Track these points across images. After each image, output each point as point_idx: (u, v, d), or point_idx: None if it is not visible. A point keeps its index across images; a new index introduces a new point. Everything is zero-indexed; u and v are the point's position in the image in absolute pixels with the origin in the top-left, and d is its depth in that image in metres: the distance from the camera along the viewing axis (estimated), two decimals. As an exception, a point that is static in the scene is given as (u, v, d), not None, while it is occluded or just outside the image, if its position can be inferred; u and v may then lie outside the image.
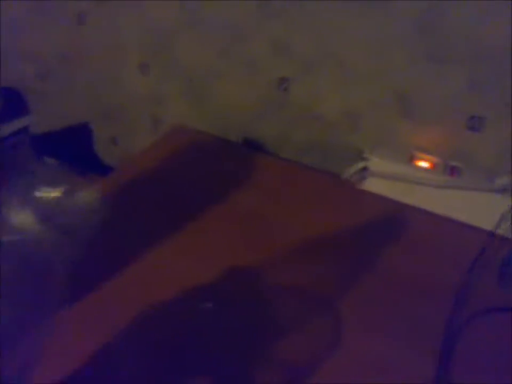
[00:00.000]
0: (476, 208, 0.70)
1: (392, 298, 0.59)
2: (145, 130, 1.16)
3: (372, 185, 0.77)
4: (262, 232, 0.71)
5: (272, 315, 0.58)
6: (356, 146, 0.85)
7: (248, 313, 0.58)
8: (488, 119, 0.81)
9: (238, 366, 0.51)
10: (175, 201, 0.71)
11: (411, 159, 0.77)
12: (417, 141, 0.78)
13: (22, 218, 0.27)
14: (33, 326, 0.30)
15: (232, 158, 0.88)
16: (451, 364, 0.50)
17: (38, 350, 0.32)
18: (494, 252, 0.57)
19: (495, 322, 0.54)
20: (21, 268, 0.27)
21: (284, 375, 0.50)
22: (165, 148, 0.90)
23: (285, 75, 0.89)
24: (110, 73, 1.12)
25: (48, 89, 1.26)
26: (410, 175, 0.75)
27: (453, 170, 0.82)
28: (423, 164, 0.77)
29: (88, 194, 0.28)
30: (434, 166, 0.78)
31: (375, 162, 0.79)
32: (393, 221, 0.71)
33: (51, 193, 0.28)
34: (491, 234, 0.56)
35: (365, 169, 0.81)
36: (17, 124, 1.14)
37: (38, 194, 0.28)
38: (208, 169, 0.85)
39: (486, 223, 0.57)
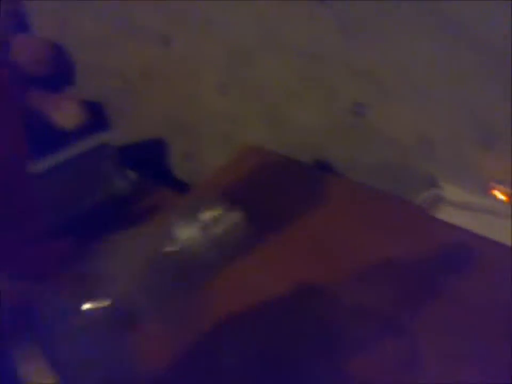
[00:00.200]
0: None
1: (462, 327, 0.59)
2: (218, 148, 1.20)
3: (444, 213, 0.77)
4: (332, 252, 0.73)
5: (344, 331, 0.60)
6: (429, 173, 0.85)
7: (314, 327, 0.60)
8: None
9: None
10: (251, 218, 0.74)
11: (487, 189, 0.77)
12: (495, 172, 0.77)
13: (187, 232, 0.33)
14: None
15: (304, 179, 0.90)
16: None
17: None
18: None
19: None
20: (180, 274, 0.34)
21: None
22: (240, 167, 0.94)
23: (362, 100, 0.90)
24: (189, 91, 1.16)
25: (128, 104, 1.33)
26: (484, 206, 0.75)
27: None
28: (500, 196, 0.76)
29: (237, 215, 0.34)
30: (511, 199, 0.77)
31: (449, 190, 0.79)
32: (464, 250, 0.71)
33: (212, 213, 0.33)
34: None
35: (437, 196, 0.81)
36: (99, 138, 1.21)
37: (200, 214, 0.33)
38: (280, 189, 0.88)
39: None
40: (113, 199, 1.13)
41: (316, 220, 0.78)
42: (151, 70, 1.22)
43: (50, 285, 0.36)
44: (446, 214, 0.76)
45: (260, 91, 1.05)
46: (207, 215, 0.33)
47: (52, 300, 0.37)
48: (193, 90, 1.16)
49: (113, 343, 0.36)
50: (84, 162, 1.14)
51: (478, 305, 0.62)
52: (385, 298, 0.64)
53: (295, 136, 1.03)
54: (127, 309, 0.34)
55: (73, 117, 1.23)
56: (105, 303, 0.33)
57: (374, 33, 0.84)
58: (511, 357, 0.54)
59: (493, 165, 0.77)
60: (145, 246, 0.34)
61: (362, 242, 0.74)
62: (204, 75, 1.12)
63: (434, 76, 0.81)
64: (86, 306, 0.34)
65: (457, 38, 0.75)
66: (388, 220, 0.78)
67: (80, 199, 1.08)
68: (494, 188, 0.76)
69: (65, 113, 1.23)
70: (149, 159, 1.33)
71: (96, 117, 1.32)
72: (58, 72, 1.35)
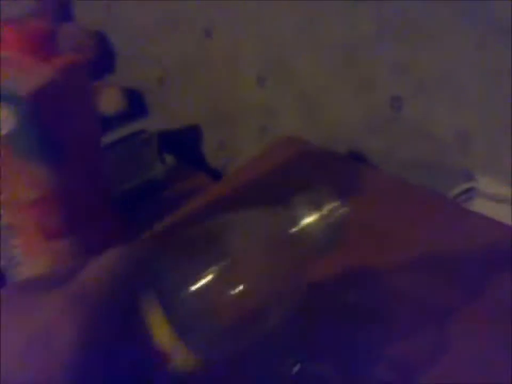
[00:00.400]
0: None
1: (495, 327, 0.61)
2: (252, 138, 1.23)
3: (479, 206, 0.78)
4: (366, 243, 0.75)
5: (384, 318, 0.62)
6: (465, 167, 0.87)
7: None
8: None
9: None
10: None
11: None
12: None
13: (308, 218, 0.34)
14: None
15: (339, 170, 0.92)
16: None
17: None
18: None
19: None
20: None
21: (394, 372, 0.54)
22: (274, 157, 0.96)
23: (399, 94, 0.92)
24: (228, 82, 1.19)
25: (167, 93, 1.36)
26: (520, 199, 0.76)
27: None
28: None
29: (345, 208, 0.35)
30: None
31: (484, 183, 0.80)
32: (500, 244, 0.72)
33: (331, 203, 0.35)
34: None
35: (472, 189, 0.82)
36: (138, 124, 1.24)
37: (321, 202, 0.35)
38: (314, 179, 0.90)
39: None
40: (151, 182, 1.17)
41: (350, 210, 0.80)
42: (191, 60, 1.25)
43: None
44: (481, 207, 0.77)
45: (297, 83, 1.07)
46: (326, 204, 0.35)
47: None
48: (231, 81, 1.18)
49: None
50: (123, 147, 1.17)
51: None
52: (419, 285, 0.66)
53: (331, 128, 1.05)
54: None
55: (113, 103, 1.27)
56: None
57: (413, 29, 0.86)
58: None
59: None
60: (267, 226, 0.35)
61: (396, 233, 0.75)
62: (243, 67, 1.14)
63: (471, 70, 0.82)
64: None
65: (496, 34, 0.76)
66: (422, 212, 0.79)
67: (119, 182, 1.12)
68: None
69: (106, 99, 1.27)
70: (185, 146, 1.36)
71: (136, 104, 1.36)
72: (100, 60, 1.39)
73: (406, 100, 0.92)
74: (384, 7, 0.87)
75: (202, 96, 1.28)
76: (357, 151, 1.03)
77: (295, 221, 0.34)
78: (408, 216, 0.78)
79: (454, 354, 0.56)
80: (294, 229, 0.34)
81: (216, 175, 1.31)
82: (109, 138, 1.17)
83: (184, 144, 1.37)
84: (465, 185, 0.83)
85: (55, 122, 0.48)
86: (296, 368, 0.49)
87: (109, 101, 1.28)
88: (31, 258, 0.58)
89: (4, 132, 0.47)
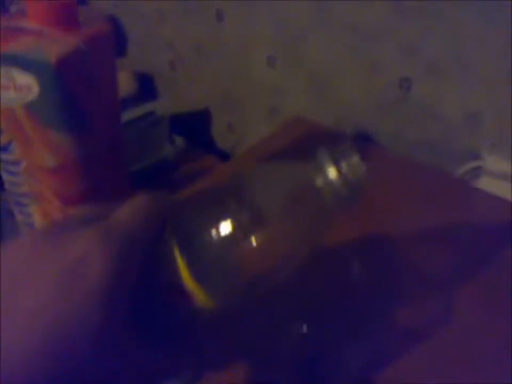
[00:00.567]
0: None
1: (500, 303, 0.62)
2: (261, 119, 1.24)
3: (485, 184, 0.80)
4: (373, 222, 0.76)
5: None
6: (472, 147, 0.88)
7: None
8: None
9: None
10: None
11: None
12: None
13: (331, 173, 0.34)
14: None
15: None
16: None
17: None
18: None
19: None
20: None
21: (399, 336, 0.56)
22: (284, 137, 0.97)
23: (408, 75, 0.93)
24: (239, 64, 1.20)
25: (178, 76, 1.38)
26: (526, 177, 0.77)
27: None
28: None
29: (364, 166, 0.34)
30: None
31: (490, 162, 0.81)
32: (503, 220, 0.73)
33: (353, 158, 0.34)
34: None
35: (478, 168, 0.83)
36: (149, 106, 1.26)
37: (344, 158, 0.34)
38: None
39: None
40: (161, 163, 1.19)
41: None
42: (203, 44, 1.26)
43: None
44: (488, 185, 0.79)
45: (306, 64, 1.08)
46: (350, 159, 0.34)
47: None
48: (242, 63, 1.20)
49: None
50: (134, 129, 1.19)
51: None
52: (427, 260, 0.67)
53: (340, 108, 1.06)
54: None
55: (125, 86, 1.29)
56: None
57: (422, 10, 0.87)
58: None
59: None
60: (292, 176, 0.35)
61: (403, 210, 0.77)
62: (255, 49, 1.16)
63: (481, 52, 0.83)
64: None
65: (506, 14, 0.77)
66: (428, 190, 0.81)
67: (130, 162, 1.14)
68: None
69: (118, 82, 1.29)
70: (195, 129, 1.38)
71: (146, 87, 1.37)
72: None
73: (415, 80, 0.93)
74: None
75: (213, 79, 1.30)
76: (366, 132, 1.04)
77: (319, 173, 0.33)
78: (414, 194, 0.79)
79: (460, 321, 0.58)
80: (318, 180, 0.33)
81: (225, 156, 1.33)
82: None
83: (193, 126, 1.38)
84: (472, 164, 0.85)
85: (81, 91, 0.50)
86: (303, 329, 0.50)
87: (121, 84, 1.29)
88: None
89: (28, 99, 0.48)
